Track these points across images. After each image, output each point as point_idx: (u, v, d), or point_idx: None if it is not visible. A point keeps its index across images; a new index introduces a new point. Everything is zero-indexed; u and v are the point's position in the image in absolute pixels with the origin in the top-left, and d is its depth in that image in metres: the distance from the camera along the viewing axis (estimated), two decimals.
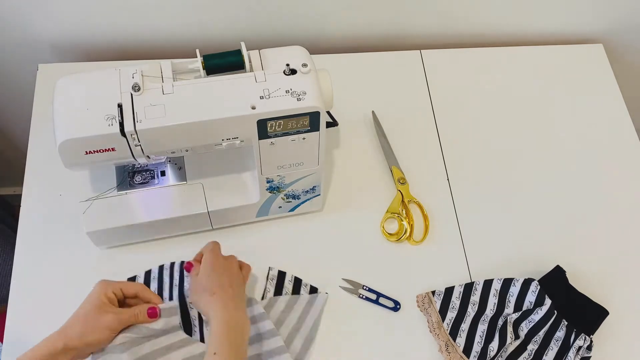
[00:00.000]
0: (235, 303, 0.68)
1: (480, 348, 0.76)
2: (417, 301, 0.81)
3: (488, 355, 0.75)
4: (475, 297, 0.80)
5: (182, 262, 0.78)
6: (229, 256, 0.74)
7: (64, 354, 0.62)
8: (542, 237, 0.88)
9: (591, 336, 0.76)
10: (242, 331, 0.66)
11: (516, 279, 0.80)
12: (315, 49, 0.79)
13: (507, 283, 0.80)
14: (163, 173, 0.80)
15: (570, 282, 0.79)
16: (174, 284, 0.78)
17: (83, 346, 0.63)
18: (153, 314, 0.69)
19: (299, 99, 0.65)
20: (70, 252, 0.81)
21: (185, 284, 0.76)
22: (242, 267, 0.75)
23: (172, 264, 0.80)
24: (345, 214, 0.87)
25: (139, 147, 0.64)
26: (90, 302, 0.66)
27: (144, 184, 0.80)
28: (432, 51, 1.03)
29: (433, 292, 0.81)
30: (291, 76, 0.66)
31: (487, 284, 0.81)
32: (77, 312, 0.66)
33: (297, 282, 0.81)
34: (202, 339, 0.74)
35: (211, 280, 0.69)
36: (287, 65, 0.66)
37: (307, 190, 0.81)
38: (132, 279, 0.80)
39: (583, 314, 0.77)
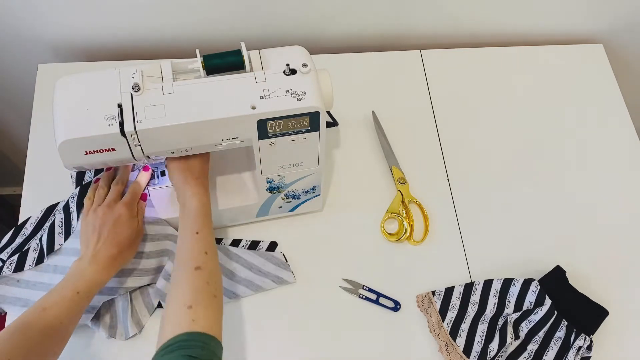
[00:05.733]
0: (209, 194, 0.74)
1: (480, 348, 0.76)
2: (417, 301, 0.81)
3: (488, 355, 0.75)
4: (475, 297, 0.80)
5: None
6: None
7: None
8: (542, 237, 0.88)
9: (591, 336, 0.76)
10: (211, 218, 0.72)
11: (516, 279, 0.80)
12: (315, 49, 0.79)
13: (507, 283, 0.80)
14: (163, 173, 0.80)
15: (570, 282, 0.79)
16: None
17: None
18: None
19: (299, 99, 0.65)
20: None
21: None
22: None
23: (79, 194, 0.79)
24: (345, 214, 0.87)
25: (139, 147, 0.64)
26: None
27: None
28: (432, 51, 1.03)
29: (433, 292, 0.81)
30: (291, 76, 0.66)
31: (487, 284, 0.81)
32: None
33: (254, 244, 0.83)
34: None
35: (201, 167, 0.73)
36: (287, 65, 0.66)
37: (307, 190, 0.81)
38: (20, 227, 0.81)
39: (583, 314, 0.77)
